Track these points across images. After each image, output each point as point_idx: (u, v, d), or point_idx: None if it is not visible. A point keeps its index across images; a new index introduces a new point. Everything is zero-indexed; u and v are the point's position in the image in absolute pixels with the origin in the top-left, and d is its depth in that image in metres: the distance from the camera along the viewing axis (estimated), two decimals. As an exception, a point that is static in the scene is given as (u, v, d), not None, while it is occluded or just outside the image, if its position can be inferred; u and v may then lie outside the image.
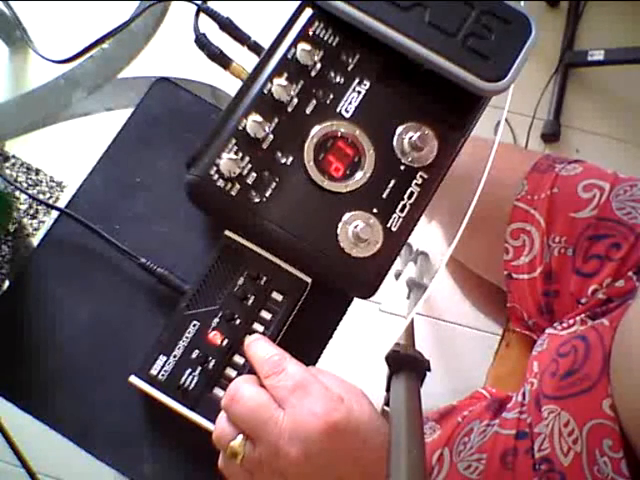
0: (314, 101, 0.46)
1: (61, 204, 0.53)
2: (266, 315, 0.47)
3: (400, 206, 0.46)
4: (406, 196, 0.46)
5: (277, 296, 0.47)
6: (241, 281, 0.47)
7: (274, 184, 0.45)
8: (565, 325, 0.67)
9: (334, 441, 0.40)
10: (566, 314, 0.71)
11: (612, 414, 0.56)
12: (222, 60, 0.51)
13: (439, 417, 0.69)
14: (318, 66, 0.47)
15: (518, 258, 0.73)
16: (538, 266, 0.71)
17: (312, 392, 0.41)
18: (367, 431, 0.41)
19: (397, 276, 0.61)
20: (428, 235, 0.66)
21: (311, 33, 0.47)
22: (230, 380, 0.46)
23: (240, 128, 0.45)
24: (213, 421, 0.45)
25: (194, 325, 0.46)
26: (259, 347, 0.44)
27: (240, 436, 0.41)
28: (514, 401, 0.68)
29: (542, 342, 0.69)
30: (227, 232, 0.48)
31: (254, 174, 0.45)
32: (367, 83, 0.47)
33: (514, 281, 0.73)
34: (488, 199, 0.57)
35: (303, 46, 0.46)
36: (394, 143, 0.46)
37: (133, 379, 0.46)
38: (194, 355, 0.46)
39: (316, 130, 0.46)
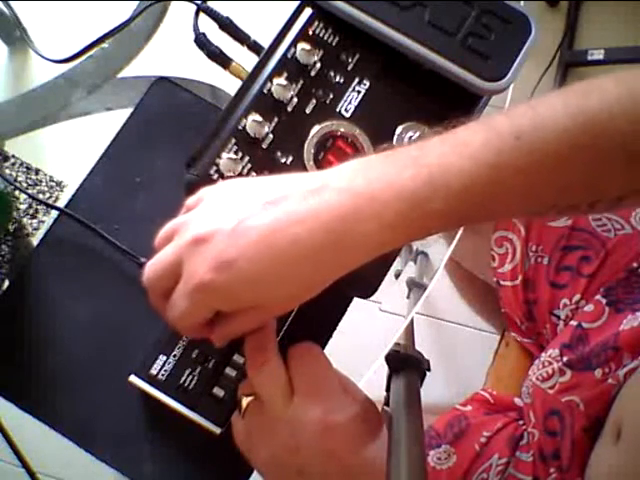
0: (314, 100, 0.46)
1: (61, 204, 0.53)
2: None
3: (400, 206, 0.45)
4: (406, 196, 0.46)
5: (277, 296, 0.47)
6: (241, 281, 0.47)
7: (274, 184, 0.45)
8: (545, 374, 0.66)
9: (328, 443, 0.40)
10: (544, 323, 0.71)
11: None
12: (222, 60, 0.51)
13: (453, 439, 0.68)
14: (318, 66, 0.47)
15: (502, 266, 0.74)
16: (519, 274, 0.72)
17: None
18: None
19: (397, 276, 0.61)
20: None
21: (311, 33, 0.47)
22: (230, 380, 0.46)
23: (240, 128, 0.45)
24: (213, 421, 0.45)
25: (194, 325, 0.46)
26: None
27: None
28: (526, 437, 0.67)
29: (528, 389, 0.69)
30: (227, 232, 0.47)
31: (254, 174, 0.45)
32: (367, 83, 0.47)
33: (503, 288, 0.74)
34: None
35: (303, 46, 0.46)
36: (394, 142, 0.46)
37: (133, 379, 0.46)
38: (194, 355, 0.46)
39: (316, 130, 0.46)
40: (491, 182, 0.35)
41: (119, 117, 0.54)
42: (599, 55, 1.38)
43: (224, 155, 0.44)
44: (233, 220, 0.35)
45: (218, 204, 0.37)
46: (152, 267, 0.38)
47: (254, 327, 0.39)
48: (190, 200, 0.39)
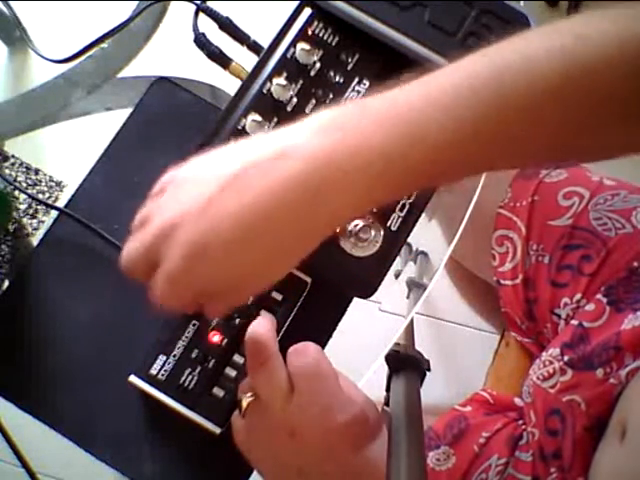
0: (314, 100, 0.46)
1: (61, 204, 0.53)
2: (266, 314, 0.47)
3: (400, 205, 0.46)
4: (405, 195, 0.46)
5: (277, 295, 0.47)
6: (241, 281, 0.47)
7: (274, 184, 0.45)
8: (545, 374, 0.66)
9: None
10: (545, 323, 0.71)
11: None
12: (222, 60, 0.51)
13: (452, 440, 0.68)
14: (317, 65, 0.47)
15: (503, 265, 0.73)
16: (519, 273, 0.72)
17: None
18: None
19: (397, 276, 0.61)
20: (428, 235, 0.66)
21: (310, 33, 0.47)
22: (230, 380, 0.46)
23: (240, 128, 0.45)
24: (213, 421, 0.45)
25: (194, 325, 0.46)
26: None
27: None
28: (526, 437, 0.67)
29: (528, 388, 0.69)
30: (227, 232, 0.47)
31: (254, 174, 0.45)
32: (366, 82, 0.47)
33: (503, 287, 0.74)
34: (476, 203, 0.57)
35: (302, 45, 0.46)
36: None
37: (133, 379, 0.46)
38: (194, 355, 0.46)
39: (316, 130, 0.46)
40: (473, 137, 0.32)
41: (119, 117, 0.54)
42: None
43: (224, 155, 0.44)
44: (198, 203, 0.34)
45: (181, 189, 0.36)
46: (127, 254, 0.37)
47: (241, 303, 0.38)
48: (155, 189, 0.39)
